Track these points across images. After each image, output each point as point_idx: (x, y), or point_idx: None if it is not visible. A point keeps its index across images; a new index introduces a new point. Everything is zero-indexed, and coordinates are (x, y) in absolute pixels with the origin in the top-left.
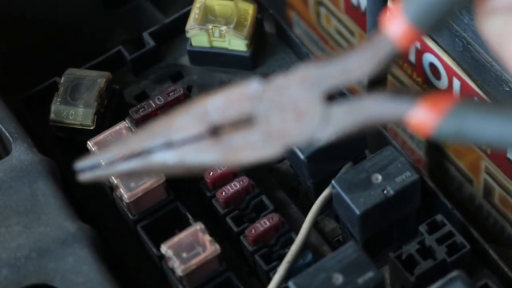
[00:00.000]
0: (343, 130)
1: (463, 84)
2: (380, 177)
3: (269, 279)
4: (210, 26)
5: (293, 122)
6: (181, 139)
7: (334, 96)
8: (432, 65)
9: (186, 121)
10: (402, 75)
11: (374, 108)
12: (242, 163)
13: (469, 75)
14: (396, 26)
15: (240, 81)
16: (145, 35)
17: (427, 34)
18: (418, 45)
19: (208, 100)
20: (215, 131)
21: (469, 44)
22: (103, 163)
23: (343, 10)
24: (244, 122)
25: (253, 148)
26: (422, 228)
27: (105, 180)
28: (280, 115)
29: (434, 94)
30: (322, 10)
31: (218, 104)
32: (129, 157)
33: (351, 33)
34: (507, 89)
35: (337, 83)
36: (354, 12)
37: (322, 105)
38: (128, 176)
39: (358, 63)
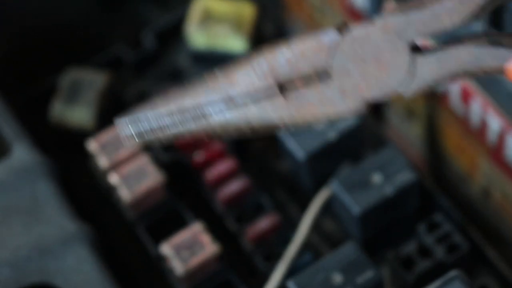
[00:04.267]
0: (432, 82)
1: (463, 84)
2: (379, 177)
3: (268, 279)
4: (210, 26)
5: (376, 74)
6: (243, 95)
7: (420, 46)
8: None
9: (250, 76)
10: None
11: (471, 57)
12: (316, 120)
13: None
14: None
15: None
16: (145, 35)
17: None
18: None
19: (276, 53)
20: (283, 88)
21: None
22: (150, 123)
23: (342, 10)
24: (318, 77)
25: (329, 102)
26: (421, 227)
27: (155, 143)
28: (360, 67)
29: None
30: (321, 11)
31: (287, 57)
32: (183, 117)
33: None
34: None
35: (426, 32)
36: (353, 12)
37: (409, 55)
38: (182, 139)
39: (452, 7)
